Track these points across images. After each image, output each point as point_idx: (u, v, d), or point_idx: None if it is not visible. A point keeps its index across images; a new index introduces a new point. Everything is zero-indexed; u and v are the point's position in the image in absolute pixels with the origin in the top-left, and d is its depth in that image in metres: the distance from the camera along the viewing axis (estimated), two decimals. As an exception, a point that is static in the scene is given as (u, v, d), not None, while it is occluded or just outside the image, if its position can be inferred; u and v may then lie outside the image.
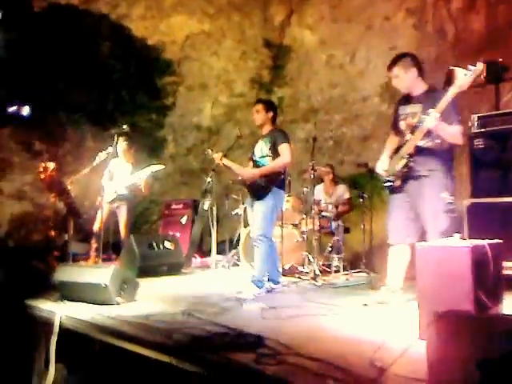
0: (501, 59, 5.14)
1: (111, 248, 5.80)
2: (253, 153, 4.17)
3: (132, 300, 3.52)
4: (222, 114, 9.08)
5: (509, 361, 1.55)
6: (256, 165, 4.09)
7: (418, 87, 3.28)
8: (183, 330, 2.64)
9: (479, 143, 4.10)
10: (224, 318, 2.94)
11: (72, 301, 3.47)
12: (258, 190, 3.95)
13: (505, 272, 2.88)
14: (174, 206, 6.82)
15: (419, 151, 3.15)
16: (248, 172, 4.07)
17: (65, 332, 3.07)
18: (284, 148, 3.95)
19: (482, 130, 4.12)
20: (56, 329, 3.06)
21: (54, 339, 3.04)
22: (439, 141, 3.10)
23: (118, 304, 3.36)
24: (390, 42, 7.64)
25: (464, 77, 2.90)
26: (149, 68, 8.62)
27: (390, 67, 3.36)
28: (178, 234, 5.84)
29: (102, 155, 5.07)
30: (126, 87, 8.37)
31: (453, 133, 3.06)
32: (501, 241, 2.75)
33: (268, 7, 9.18)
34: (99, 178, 5.39)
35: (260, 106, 4.12)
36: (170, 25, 8.80)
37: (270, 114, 4.11)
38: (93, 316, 3.06)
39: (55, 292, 3.62)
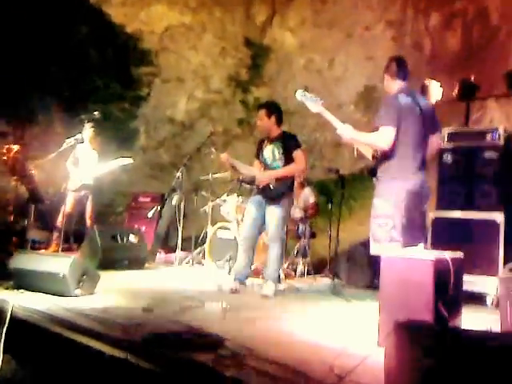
0: (473, 77, 5.29)
1: (73, 237, 5.64)
2: (261, 155, 4.18)
3: (91, 292, 3.43)
4: (197, 109, 8.99)
5: (461, 373, 1.58)
6: (268, 167, 4.14)
7: None
8: (142, 326, 2.59)
9: (447, 158, 4.20)
10: (185, 317, 2.89)
11: (28, 290, 3.34)
12: (275, 193, 4.03)
13: (464, 286, 2.94)
14: (141, 199, 6.68)
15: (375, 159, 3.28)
16: (263, 174, 4.10)
17: (17, 322, 2.94)
18: (299, 154, 4.05)
19: (451, 145, 4.22)
20: (7, 318, 2.93)
21: (3, 329, 2.91)
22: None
23: (76, 296, 3.26)
24: (368, 51, 7.75)
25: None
26: (125, 56, 8.44)
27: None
28: (143, 228, 5.73)
29: (69, 141, 4.92)
30: (101, 74, 8.17)
31: (366, 139, 3.13)
32: (462, 254, 2.81)
33: (251, 6, 9.14)
34: (65, 164, 5.24)
35: (262, 113, 4.11)
36: (150, 14, 8.65)
37: (273, 118, 4.09)
38: (48, 307, 2.95)
39: (10, 279, 3.48)
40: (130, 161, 5.31)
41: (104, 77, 8.15)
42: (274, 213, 4.02)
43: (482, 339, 1.79)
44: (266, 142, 4.19)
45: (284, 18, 8.97)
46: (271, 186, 4.03)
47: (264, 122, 4.10)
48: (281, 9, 9.00)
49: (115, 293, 3.59)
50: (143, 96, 8.79)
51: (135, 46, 8.58)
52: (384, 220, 2.98)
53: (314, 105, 3.15)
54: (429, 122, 3.12)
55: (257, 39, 9.23)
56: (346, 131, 3.05)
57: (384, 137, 2.96)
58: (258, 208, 4.10)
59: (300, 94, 3.18)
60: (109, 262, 4.68)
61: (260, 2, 9.10)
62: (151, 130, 8.93)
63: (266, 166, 4.15)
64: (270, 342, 2.49)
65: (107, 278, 3.94)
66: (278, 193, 4.03)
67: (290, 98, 8.56)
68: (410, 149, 3.01)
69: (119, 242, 4.94)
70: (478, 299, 3.79)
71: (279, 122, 4.14)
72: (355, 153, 3.25)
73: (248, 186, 4.40)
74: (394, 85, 3.19)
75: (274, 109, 4.15)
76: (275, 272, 4.04)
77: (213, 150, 4.31)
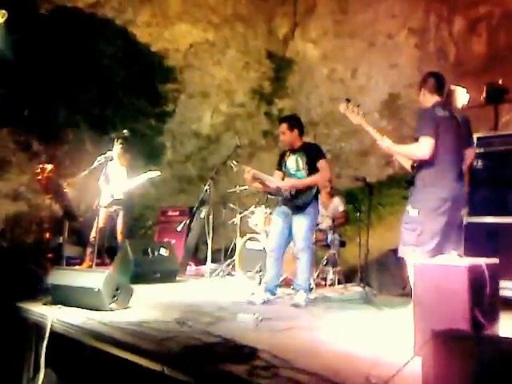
0: (501, 81, 5.20)
1: (106, 253, 5.76)
2: (284, 166, 4.22)
3: (125, 306, 3.49)
4: (222, 122, 9.11)
5: (500, 381, 1.55)
6: (292, 178, 4.16)
7: None
8: (176, 338, 2.62)
9: (478, 163, 4.13)
10: (218, 328, 2.91)
11: (65, 305, 3.43)
12: (301, 203, 4.05)
13: (501, 292, 2.88)
14: (170, 213, 6.80)
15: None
16: (288, 181, 4.12)
17: (56, 336, 3.03)
18: (324, 164, 4.09)
19: (482, 150, 4.15)
20: (47, 333, 3.02)
21: (44, 343, 3.00)
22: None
23: (111, 310, 3.33)
24: (391, 59, 7.73)
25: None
26: (151, 74, 8.66)
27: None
28: (173, 241, 5.81)
29: (100, 159, 5.06)
30: (128, 92, 8.39)
31: (402, 150, 3.26)
32: (497, 260, 2.75)
33: (272, 19, 9.27)
34: (97, 181, 5.38)
35: (284, 127, 4.15)
36: (175, 32, 8.87)
37: (296, 132, 4.15)
38: (84, 321, 3.02)
39: (48, 295, 3.58)
40: (157, 173, 5.42)
41: (131, 95, 8.36)
42: (300, 223, 4.03)
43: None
44: (288, 153, 4.22)
45: (305, 30, 9.05)
46: (296, 195, 4.04)
47: (287, 135, 4.15)
48: (302, 21, 9.09)
49: (149, 306, 3.65)
50: (169, 112, 8.98)
51: (160, 63, 8.80)
52: (413, 225, 3.11)
53: (357, 117, 3.28)
54: (465, 134, 3.25)
55: (279, 52, 9.34)
56: (385, 143, 3.20)
57: (423, 147, 3.07)
58: (284, 219, 4.12)
59: (344, 107, 3.31)
60: (141, 275, 4.75)
61: (282, 15, 9.21)
62: (177, 145, 9.09)
63: (290, 176, 4.17)
64: (304, 352, 2.48)
65: (140, 291, 4.00)
66: (303, 202, 4.04)
67: (314, 108, 8.68)
68: (447, 159, 3.12)
69: (150, 255, 5.01)
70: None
71: (301, 133, 4.19)
72: (396, 163, 3.37)
73: (274, 196, 4.40)
74: (431, 99, 3.29)
75: (295, 121, 4.20)
76: (305, 281, 4.04)
77: (234, 162, 4.31)
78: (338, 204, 5.76)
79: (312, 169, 4.07)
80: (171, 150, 9.07)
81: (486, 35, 7.01)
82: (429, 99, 3.29)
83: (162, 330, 2.81)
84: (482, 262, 2.53)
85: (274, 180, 4.21)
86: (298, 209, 4.06)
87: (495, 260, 2.73)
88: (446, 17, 7.52)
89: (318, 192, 4.17)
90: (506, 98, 5.13)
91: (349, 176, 7.37)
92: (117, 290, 3.43)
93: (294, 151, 4.18)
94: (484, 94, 5.14)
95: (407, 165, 3.35)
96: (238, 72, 9.14)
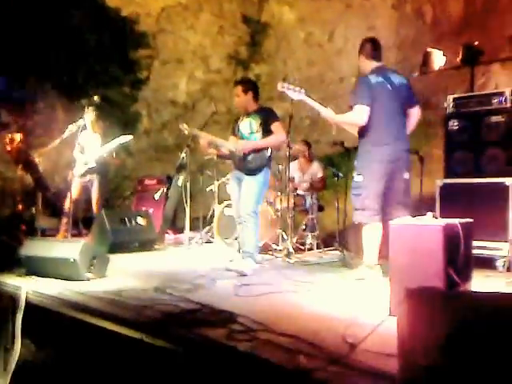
0: (477, 42, 5.18)
1: (82, 223, 5.67)
2: (237, 129, 4.13)
3: (102, 276, 3.46)
4: (198, 89, 8.91)
5: (475, 336, 1.58)
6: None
7: None
8: (155, 306, 2.61)
9: (454, 124, 4.14)
10: (196, 295, 2.91)
11: (40, 276, 3.38)
12: (253, 166, 3.95)
13: (474, 251, 2.94)
14: (147, 182, 6.70)
15: None
16: (241, 143, 4.02)
17: (32, 307, 2.99)
18: (278, 126, 3.99)
19: (457, 111, 4.15)
20: (22, 304, 2.97)
21: (19, 315, 2.95)
22: None
23: (87, 280, 3.29)
24: (368, 21, 7.59)
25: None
26: (122, 40, 8.34)
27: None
28: (151, 210, 5.75)
29: (72, 127, 4.90)
30: (99, 59, 8.10)
31: (342, 119, 3.44)
32: (471, 220, 2.80)
33: (246, -18, 8.95)
34: (70, 151, 5.24)
35: (238, 89, 4.07)
36: (145, -5, 8.50)
37: (250, 95, 4.06)
38: (61, 291, 2.98)
39: (22, 267, 3.52)
40: (129, 137, 5.26)
41: (102, 61, 8.08)
42: (248, 186, 3.93)
43: (495, 301, 1.78)
44: (242, 116, 4.15)
45: (281, -8, 8.79)
46: (249, 157, 3.95)
47: (241, 98, 4.06)
48: (278, -17, 8.81)
49: (127, 275, 3.62)
50: (143, 79, 8.72)
51: (132, 28, 8.47)
52: (359, 190, 3.36)
53: (296, 94, 3.44)
54: (403, 96, 3.44)
55: (255, 16, 9.07)
56: (328, 114, 3.40)
57: (359, 114, 3.30)
58: (238, 183, 4.06)
59: (280, 86, 3.44)
60: (118, 245, 4.71)
61: (256, -23, 8.91)
62: (153, 113, 8.89)
63: (244, 140, 4.08)
64: (282, 315, 2.50)
65: (118, 260, 3.98)
66: (255, 165, 3.95)
67: (291, 73, 8.53)
68: (382, 122, 3.33)
69: (128, 224, 4.96)
70: (488, 263, 3.79)
71: (256, 97, 4.11)
72: (333, 132, 3.54)
73: (227, 160, 4.30)
74: (368, 65, 3.50)
75: (250, 85, 4.13)
76: (252, 248, 3.90)
77: (185, 126, 4.20)
78: (316, 169, 5.76)
79: (267, 131, 3.98)
80: (147, 118, 8.87)
81: (463, -4, 6.92)
82: (366, 65, 3.50)
83: (140, 299, 2.80)
84: (457, 221, 2.56)
85: (228, 144, 4.11)
86: (249, 172, 3.97)
87: (469, 220, 2.77)
88: (423, -23, 7.38)
89: (271, 156, 4.06)
90: (481, 59, 5.13)
91: (327, 142, 7.35)
92: (93, 259, 3.38)
93: (247, 115, 4.09)
94: (460, 56, 5.13)
95: (355, 132, 3.52)
96: (212, 37, 8.88)
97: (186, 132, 4.26)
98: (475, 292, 2.40)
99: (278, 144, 4.13)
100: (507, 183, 3.73)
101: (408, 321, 1.81)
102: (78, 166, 5.21)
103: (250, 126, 4.05)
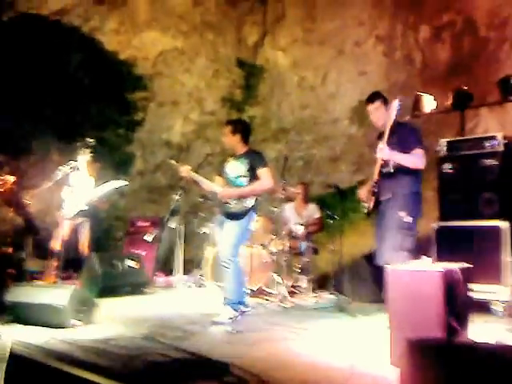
0: (466, 87, 5.30)
1: (72, 266, 5.53)
2: (224, 171, 4.05)
3: (90, 322, 3.33)
4: (193, 131, 8.99)
5: None
6: (231, 184, 3.99)
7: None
8: (143, 356, 2.50)
9: (447, 167, 4.16)
10: (188, 343, 2.81)
11: (26, 324, 3.25)
12: (238, 212, 3.85)
13: (472, 295, 2.88)
14: (139, 224, 6.60)
15: (383, 177, 3.43)
16: (227, 191, 3.93)
17: (16, 357, 2.84)
18: (265, 172, 3.88)
19: (450, 154, 4.18)
20: (6, 354, 2.83)
21: (3, 365, 2.81)
22: (395, 167, 3.38)
23: (75, 327, 3.16)
24: (360, 66, 7.80)
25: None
26: (120, 82, 8.48)
27: (372, 100, 3.64)
28: (143, 253, 5.64)
29: (64, 169, 4.87)
30: (95, 101, 8.18)
31: (408, 159, 3.35)
32: (470, 265, 2.75)
33: (242, 27, 9.24)
34: (61, 192, 5.19)
35: (227, 130, 4.01)
36: (143, 40, 8.71)
37: (238, 136, 3.98)
38: (46, 340, 2.86)
39: (7, 314, 3.39)
40: (124, 183, 5.23)
41: (99, 103, 8.16)
42: (230, 229, 3.81)
43: (495, 352, 1.72)
44: (229, 158, 4.07)
45: (275, 38, 9.06)
46: (233, 203, 3.86)
47: (228, 138, 4.00)
48: (271, 28, 9.09)
49: (115, 321, 3.50)
50: (138, 120, 8.79)
51: (129, 71, 8.63)
52: (412, 232, 3.26)
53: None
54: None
55: (249, 60, 9.30)
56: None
57: (422, 158, 3.36)
58: (221, 227, 3.94)
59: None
60: (109, 289, 4.59)
61: (251, 23, 9.20)
62: (148, 154, 8.90)
63: (229, 183, 3.98)
64: (277, 365, 2.40)
65: (107, 305, 3.85)
66: (238, 211, 3.84)
67: (285, 115, 8.66)
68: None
69: (119, 268, 4.84)
70: (482, 307, 3.71)
71: (245, 139, 4.02)
72: None
73: (210, 202, 4.11)
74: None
75: (239, 126, 4.07)
76: (232, 295, 3.74)
77: (172, 161, 4.11)
78: (313, 211, 5.73)
79: (254, 177, 3.89)
80: (141, 159, 8.89)
81: (450, 42, 7.15)
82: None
83: (128, 348, 2.68)
84: (457, 267, 2.51)
85: (214, 186, 3.99)
86: (232, 216, 3.86)
87: (468, 264, 2.72)
88: (412, 25, 7.65)
89: (256, 202, 3.94)
90: (470, 104, 5.24)
91: (321, 183, 7.37)
92: (82, 305, 3.27)
93: (236, 157, 4.02)
94: (451, 100, 5.23)
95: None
96: (208, 80, 9.05)
97: (174, 167, 4.13)
98: (475, 342, 2.34)
99: (263, 191, 4.02)
100: (502, 227, 3.72)
101: (410, 374, 1.73)
102: (67, 207, 5.14)
103: (236, 169, 3.98)
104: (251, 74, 9.26)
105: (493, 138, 3.96)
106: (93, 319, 3.37)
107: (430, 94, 5.98)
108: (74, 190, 5.27)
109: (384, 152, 3.31)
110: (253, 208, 3.91)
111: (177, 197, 4.91)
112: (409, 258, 3.06)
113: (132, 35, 8.60)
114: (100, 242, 6.84)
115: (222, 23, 9.11)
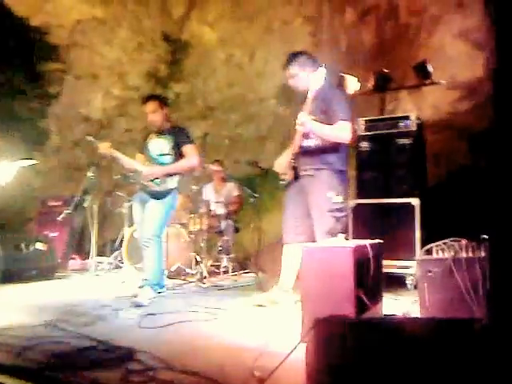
0: (387, 70, 5.43)
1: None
2: (147, 148, 3.85)
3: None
4: (114, 106, 8.52)
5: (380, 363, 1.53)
6: (154, 162, 3.80)
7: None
8: (40, 346, 2.28)
9: (364, 146, 4.23)
10: (94, 329, 2.62)
11: None
12: (162, 190, 3.69)
13: (384, 270, 2.94)
14: (51, 203, 6.15)
15: (303, 152, 3.18)
16: (151, 169, 3.73)
17: None
18: (190, 149, 3.75)
19: (368, 133, 4.26)
20: None
21: None
22: (318, 141, 3.14)
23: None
24: (288, 45, 7.75)
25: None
26: (29, 50, 7.79)
27: (287, 65, 3.31)
28: (55, 234, 5.27)
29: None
30: (3, 69, 7.47)
31: (330, 132, 3.07)
32: (381, 240, 2.80)
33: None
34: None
35: (155, 105, 3.77)
36: (57, 6, 8.05)
37: (166, 110, 3.84)
38: None
39: None
40: (33, 162, 4.82)
41: (4, 72, 7.46)
42: (153, 209, 3.67)
43: (400, 325, 1.75)
44: (152, 134, 3.88)
45: (202, 12, 8.74)
46: (157, 182, 3.71)
47: (158, 114, 3.78)
48: (198, 2, 8.77)
49: (16, 309, 3.21)
50: (53, 94, 8.17)
51: (41, 39, 7.94)
52: (341, 213, 3.08)
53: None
54: None
55: (175, 34, 8.94)
56: (307, 121, 3.00)
57: (347, 131, 3.06)
58: (142, 205, 3.77)
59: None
60: (12, 273, 4.24)
61: (176, -6, 8.81)
62: (65, 130, 8.33)
63: (152, 161, 3.82)
64: (188, 349, 2.29)
65: (10, 292, 3.54)
66: (164, 190, 3.71)
67: (211, 93, 8.45)
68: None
69: (24, 250, 4.47)
70: (398, 282, 3.86)
71: (168, 115, 3.90)
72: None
73: (132, 181, 3.91)
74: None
75: (165, 100, 3.94)
76: (153, 275, 3.62)
77: (90, 138, 3.82)
78: (231, 189, 5.66)
79: (179, 154, 3.76)
80: (57, 135, 8.30)
81: (374, 26, 7.30)
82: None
83: (25, 337, 2.44)
84: (367, 242, 2.53)
85: (136, 164, 3.78)
86: (156, 195, 3.71)
87: (379, 240, 2.77)
88: (338, 7, 7.70)
89: (180, 180, 3.83)
90: (390, 86, 5.39)
91: (247, 161, 7.31)
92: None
93: (159, 134, 3.84)
94: (372, 82, 5.34)
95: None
96: (130, 53, 8.58)
97: (93, 144, 3.82)
98: (380, 317, 2.38)
99: (190, 169, 3.89)
100: (413, 204, 3.85)
101: (315, 350, 1.70)
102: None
103: (160, 146, 3.79)
104: (177, 49, 8.91)
105: (406, 118, 4.08)
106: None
107: (354, 76, 6.07)
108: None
109: (303, 122, 2.98)
110: (177, 187, 3.76)
111: (90, 174, 4.61)
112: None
113: (44, 0, 7.91)
114: (10, 225, 6.33)
115: (145, -7, 8.64)
